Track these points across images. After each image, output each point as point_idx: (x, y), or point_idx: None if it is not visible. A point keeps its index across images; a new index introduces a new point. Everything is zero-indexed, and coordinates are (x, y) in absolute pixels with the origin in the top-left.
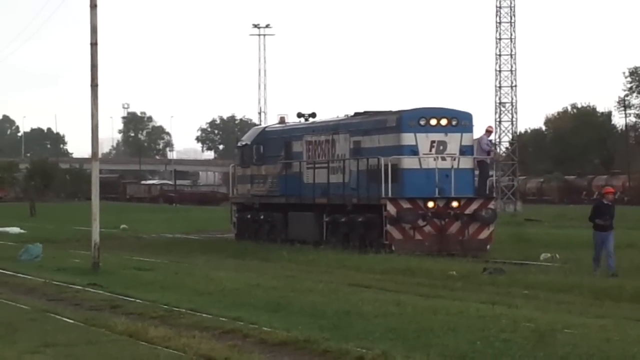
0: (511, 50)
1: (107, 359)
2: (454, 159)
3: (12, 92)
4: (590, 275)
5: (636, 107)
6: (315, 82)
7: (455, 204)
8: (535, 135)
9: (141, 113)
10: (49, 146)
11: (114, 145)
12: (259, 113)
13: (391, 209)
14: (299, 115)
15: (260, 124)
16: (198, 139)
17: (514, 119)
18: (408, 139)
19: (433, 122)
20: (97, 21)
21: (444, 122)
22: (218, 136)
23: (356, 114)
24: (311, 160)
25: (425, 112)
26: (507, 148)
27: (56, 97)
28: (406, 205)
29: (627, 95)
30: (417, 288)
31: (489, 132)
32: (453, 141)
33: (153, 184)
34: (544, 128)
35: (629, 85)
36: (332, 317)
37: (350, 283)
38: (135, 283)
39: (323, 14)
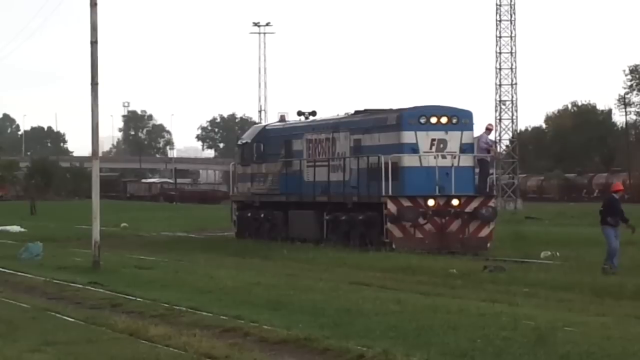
0: (511, 48)
1: (107, 358)
2: (455, 157)
3: (12, 91)
4: (591, 274)
5: (636, 105)
6: (316, 80)
7: (455, 202)
8: (535, 133)
9: (141, 111)
10: (49, 145)
11: (115, 143)
12: (260, 111)
13: (391, 207)
14: (299, 113)
15: (260, 122)
16: (198, 138)
17: (514, 117)
18: (408, 137)
19: (433, 120)
20: (97, 19)
21: (444, 120)
22: (218, 134)
23: (356, 112)
24: (311, 159)
25: (425, 110)
26: (507, 146)
27: (56, 95)
28: (406, 203)
29: (627, 93)
30: (418, 286)
31: (489, 130)
32: (453, 139)
33: (153, 183)
34: (544, 126)
35: (629, 83)
36: (333, 316)
37: (351, 281)
38: (135, 281)
39: (323, 12)
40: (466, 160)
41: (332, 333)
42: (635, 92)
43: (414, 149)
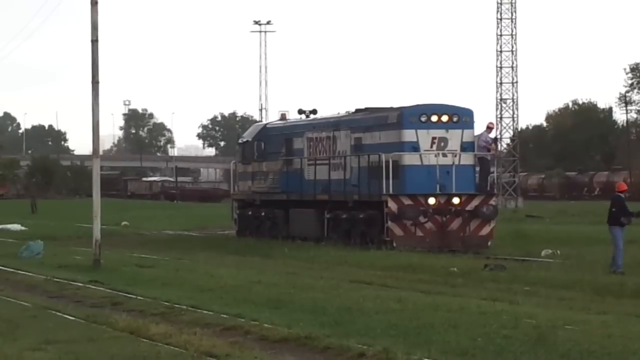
0: (512, 47)
1: (108, 356)
2: (455, 156)
3: (13, 89)
4: (592, 272)
5: (637, 103)
6: (316, 78)
7: (456, 200)
8: (536, 131)
9: (142, 110)
10: (50, 143)
11: (115, 142)
12: (260, 110)
13: (392, 205)
14: (300, 111)
15: (261, 121)
16: (199, 136)
17: (515, 116)
18: (409, 135)
19: (434, 118)
20: (97, 18)
21: (445, 118)
22: (219, 133)
23: (357, 111)
24: (312, 157)
25: (426, 109)
26: (508, 144)
27: (57, 94)
28: (407, 201)
29: (628, 92)
30: (418, 284)
31: (489, 128)
32: (454, 137)
33: (154, 181)
34: (545, 124)
35: (629, 82)
36: (333, 314)
37: (352, 280)
38: (136, 280)
39: (324, 11)
40: (467, 159)
41: (332, 331)
42: (635, 91)
43: (414, 147)
